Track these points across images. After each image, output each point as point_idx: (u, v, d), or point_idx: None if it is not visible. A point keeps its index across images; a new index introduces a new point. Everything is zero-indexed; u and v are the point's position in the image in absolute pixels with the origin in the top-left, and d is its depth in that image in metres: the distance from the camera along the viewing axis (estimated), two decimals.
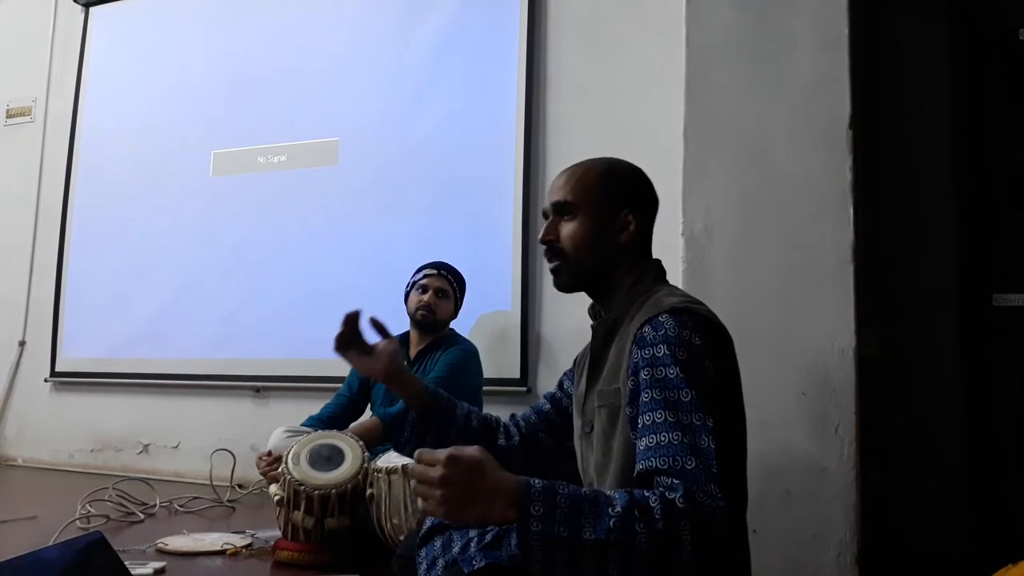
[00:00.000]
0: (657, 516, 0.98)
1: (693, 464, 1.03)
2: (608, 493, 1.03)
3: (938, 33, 2.41)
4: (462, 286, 2.86)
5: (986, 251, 2.31)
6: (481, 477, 1.00)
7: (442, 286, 2.77)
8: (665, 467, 1.04)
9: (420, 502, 1.01)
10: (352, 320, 1.39)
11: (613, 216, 1.31)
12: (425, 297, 2.74)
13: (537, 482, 1.01)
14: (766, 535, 1.82)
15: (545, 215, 1.36)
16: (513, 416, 1.55)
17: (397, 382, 1.43)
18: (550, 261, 1.34)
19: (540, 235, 1.34)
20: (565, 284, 1.33)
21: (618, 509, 0.98)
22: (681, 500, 0.99)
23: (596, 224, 1.30)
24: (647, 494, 1.01)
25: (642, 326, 1.16)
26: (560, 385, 1.52)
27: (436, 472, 0.98)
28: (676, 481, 1.02)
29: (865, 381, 1.94)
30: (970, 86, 2.38)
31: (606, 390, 1.25)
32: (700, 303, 1.23)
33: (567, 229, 1.31)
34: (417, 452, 1.03)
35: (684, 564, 0.97)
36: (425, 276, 2.78)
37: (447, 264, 2.85)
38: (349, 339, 1.40)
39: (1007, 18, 2.34)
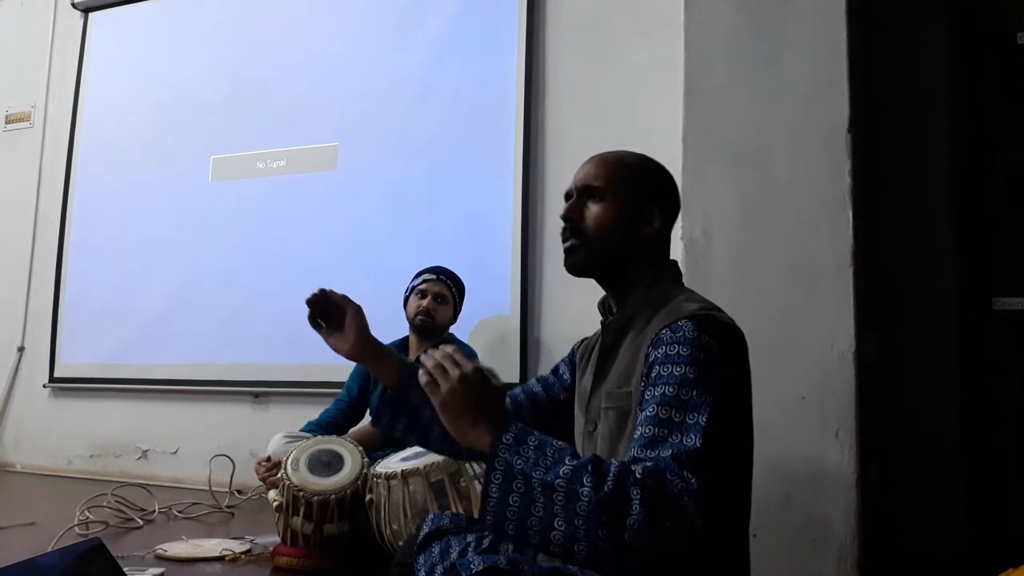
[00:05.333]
0: (609, 478, 0.99)
1: (669, 453, 1.03)
2: (578, 451, 1.07)
3: (936, 37, 2.42)
4: (461, 291, 2.86)
5: (985, 254, 2.31)
6: (484, 400, 1.09)
7: (441, 291, 2.76)
8: (642, 455, 1.05)
9: (423, 376, 1.11)
10: (320, 294, 1.36)
11: (640, 208, 1.30)
12: (424, 302, 2.73)
13: (518, 423, 1.09)
14: (766, 539, 1.81)
15: (568, 196, 1.34)
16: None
17: (368, 358, 1.38)
18: (566, 240, 1.31)
19: (563, 212, 1.32)
20: (578, 264, 1.31)
21: (575, 462, 1.01)
22: (641, 472, 1.00)
23: (624, 211, 1.29)
24: (612, 461, 1.03)
25: (660, 331, 1.16)
26: (556, 370, 1.48)
27: (458, 371, 1.09)
28: (649, 464, 1.02)
29: (865, 385, 1.94)
30: (968, 90, 2.38)
31: (615, 392, 1.23)
32: (720, 310, 1.22)
33: (593, 211, 1.29)
34: (453, 348, 1.13)
35: (632, 531, 0.96)
36: (424, 281, 2.78)
37: (446, 269, 2.85)
38: (318, 316, 1.36)
39: (1005, 22, 2.34)
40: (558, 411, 1.42)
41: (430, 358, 1.12)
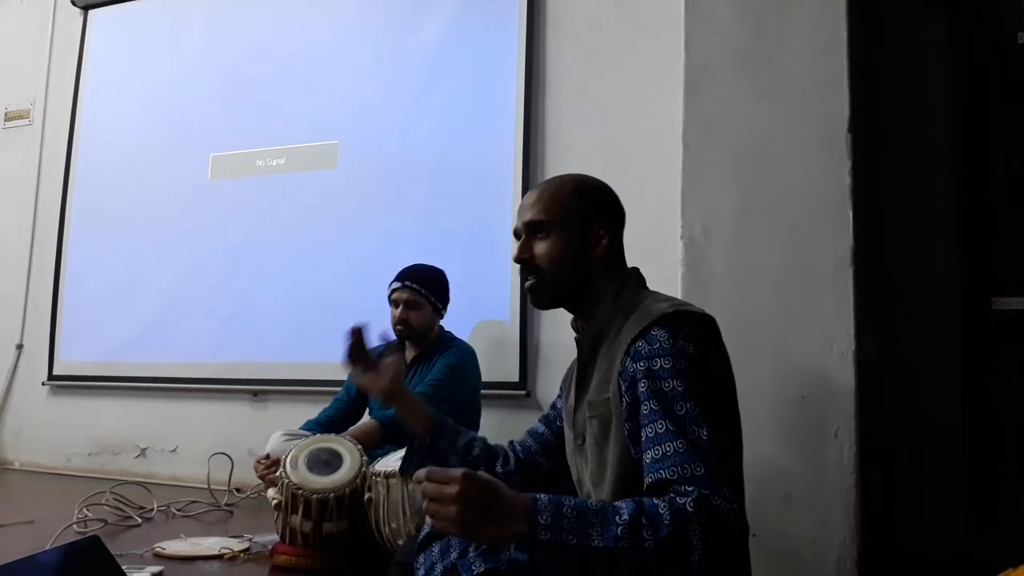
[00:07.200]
0: (666, 522, 0.99)
1: (702, 470, 1.05)
2: (615, 503, 1.04)
3: (937, 37, 2.42)
4: (434, 287, 2.73)
5: (985, 254, 2.31)
6: (495, 495, 1.00)
7: (410, 297, 2.67)
8: (675, 477, 1.06)
9: (430, 520, 1.00)
10: (358, 333, 1.47)
11: (586, 231, 1.33)
12: (397, 312, 2.69)
13: (543, 496, 1.02)
14: (766, 539, 1.81)
15: (516, 235, 1.37)
16: (511, 443, 1.57)
17: (397, 400, 1.48)
18: (525, 280, 1.35)
19: (514, 255, 1.35)
20: (543, 301, 1.35)
21: (625, 517, 1.00)
22: (691, 504, 1.01)
23: (570, 240, 1.32)
24: (656, 501, 1.03)
25: (634, 340, 1.17)
26: (553, 405, 1.53)
27: (452, 489, 0.97)
28: (689, 488, 1.03)
29: (865, 385, 1.94)
30: (969, 90, 2.38)
31: (596, 400, 1.25)
32: (687, 304, 1.24)
33: (542, 247, 1.32)
34: (427, 470, 1.01)
35: (697, 566, 0.99)
36: (393, 291, 2.71)
37: (413, 270, 2.74)
38: (357, 352, 1.47)
39: (1006, 22, 2.34)
40: (564, 443, 1.44)
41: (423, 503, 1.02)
